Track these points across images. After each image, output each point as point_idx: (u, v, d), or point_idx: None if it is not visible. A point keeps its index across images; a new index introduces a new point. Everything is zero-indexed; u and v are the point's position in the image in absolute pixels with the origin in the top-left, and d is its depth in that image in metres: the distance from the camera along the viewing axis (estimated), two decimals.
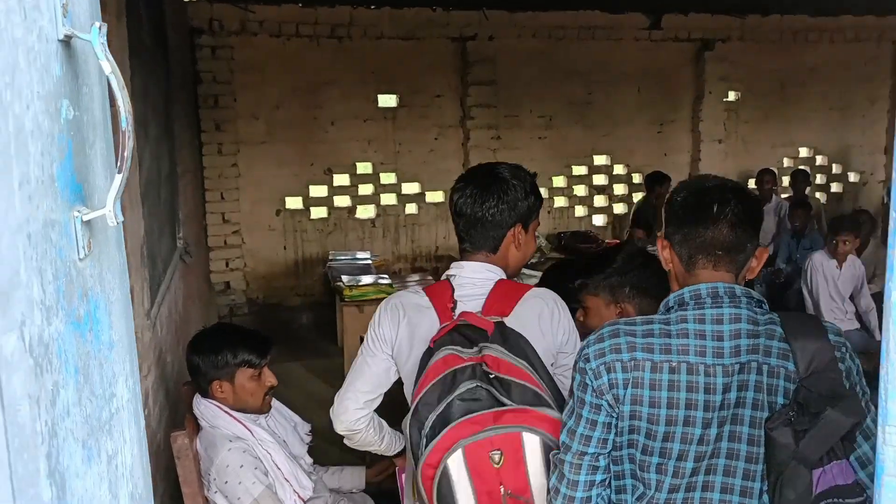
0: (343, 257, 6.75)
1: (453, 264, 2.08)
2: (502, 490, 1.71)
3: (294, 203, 7.40)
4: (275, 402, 2.64)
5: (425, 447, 1.73)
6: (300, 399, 5.82)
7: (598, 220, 8.35)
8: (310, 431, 2.73)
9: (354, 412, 2.09)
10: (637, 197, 8.13)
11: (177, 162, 4.13)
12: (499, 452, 1.70)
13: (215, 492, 2.26)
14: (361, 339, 4.58)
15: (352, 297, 5.64)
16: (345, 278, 5.88)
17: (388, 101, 7.51)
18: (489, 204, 1.98)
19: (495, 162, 2.13)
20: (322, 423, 5.41)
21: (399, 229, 7.73)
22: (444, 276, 2.09)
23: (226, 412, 2.37)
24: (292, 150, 7.27)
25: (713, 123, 8.26)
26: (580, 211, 8.25)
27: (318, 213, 7.50)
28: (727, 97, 8.32)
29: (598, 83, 8.00)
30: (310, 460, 2.66)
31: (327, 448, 4.83)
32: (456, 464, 1.70)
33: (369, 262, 6.61)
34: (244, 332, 2.55)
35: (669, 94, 8.24)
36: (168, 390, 3.08)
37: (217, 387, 2.41)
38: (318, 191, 7.45)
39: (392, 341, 2.02)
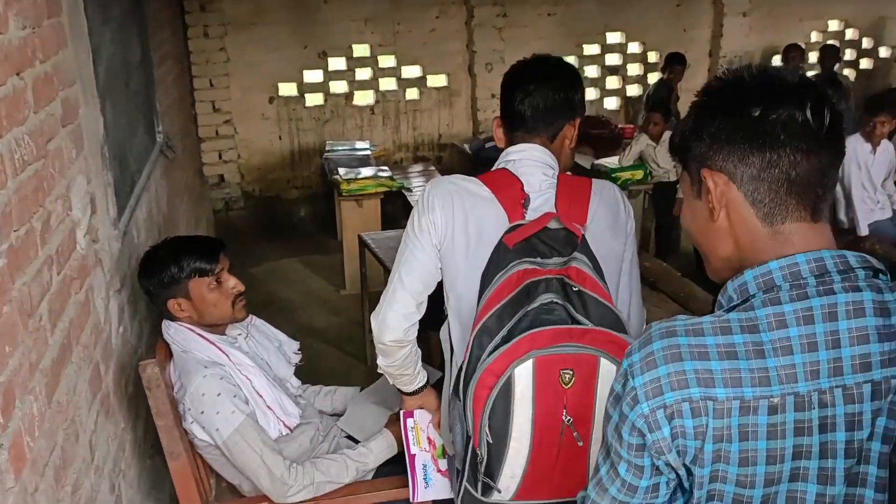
0: (341, 147, 6.38)
1: (509, 150, 1.85)
2: (564, 414, 1.56)
3: (288, 89, 6.96)
4: (256, 321, 2.38)
5: (488, 356, 1.57)
6: (299, 297, 5.63)
7: (611, 103, 7.89)
8: (298, 350, 2.48)
9: (407, 318, 1.82)
10: (653, 78, 7.64)
11: (150, 48, 3.72)
12: (570, 372, 1.55)
13: (192, 422, 2.03)
14: (361, 239, 4.31)
15: (350, 192, 5.32)
16: (342, 171, 5.54)
17: None
18: (559, 88, 1.81)
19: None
20: (320, 323, 5.30)
21: (399, 116, 7.30)
22: (499, 164, 1.86)
23: (198, 334, 2.11)
24: (284, 31, 6.76)
25: None
26: (592, 94, 7.77)
27: (314, 99, 7.06)
28: None
29: None
30: (297, 383, 2.42)
31: (326, 353, 4.68)
32: (524, 375, 1.54)
33: (368, 152, 6.25)
34: (188, 240, 2.27)
35: None
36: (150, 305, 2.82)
37: (175, 306, 2.15)
38: (312, 76, 6.99)
39: (443, 233, 1.78)
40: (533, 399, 1.55)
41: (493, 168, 1.87)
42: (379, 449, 2.20)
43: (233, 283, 2.26)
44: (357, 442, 2.30)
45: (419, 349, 1.95)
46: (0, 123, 1.52)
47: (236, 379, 2.07)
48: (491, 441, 1.59)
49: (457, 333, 1.83)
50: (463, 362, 1.69)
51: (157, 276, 2.17)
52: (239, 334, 2.29)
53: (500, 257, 1.66)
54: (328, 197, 6.92)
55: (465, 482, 1.73)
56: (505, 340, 1.57)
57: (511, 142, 1.86)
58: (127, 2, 3.28)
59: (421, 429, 2.10)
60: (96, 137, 2.32)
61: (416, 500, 2.08)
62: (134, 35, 3.40)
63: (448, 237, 1.77)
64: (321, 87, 7.02)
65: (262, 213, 7.11)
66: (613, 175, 5.61)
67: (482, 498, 1.70)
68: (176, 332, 2.13)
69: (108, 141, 2.51)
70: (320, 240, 6.68)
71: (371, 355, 4.56)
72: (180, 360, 2.11)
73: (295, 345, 2.48)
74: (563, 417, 1.57)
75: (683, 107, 7.40)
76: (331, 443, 2.33)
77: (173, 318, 2.17)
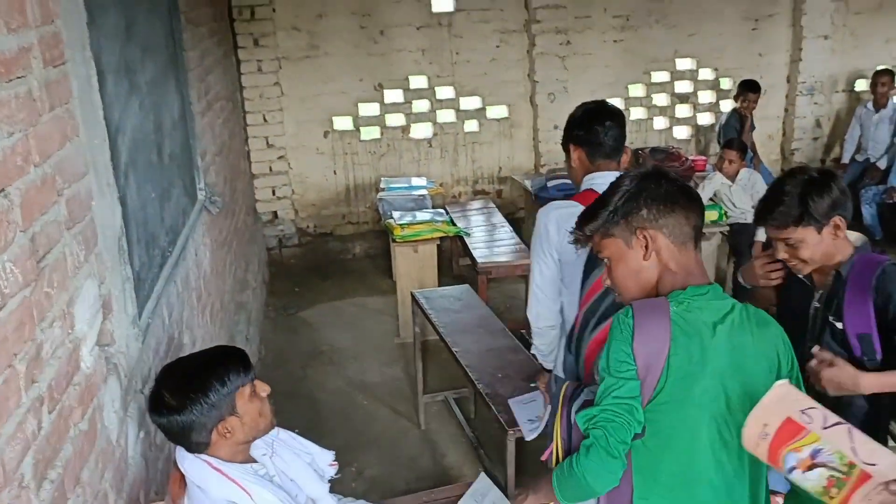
0: (396, 186, 6.12)
1: (593, 175, 2.50)
2: None
3: (343, 123, 6.75)
4: (282, 434, 2.09)
5: (592, 329, 2.32)
6: (351, 345, 5.38)
7: (681, 132, 7.46)
8: (334, 460, 2.18)
9: (550, 308, 2.57)
10: (726, 106, 7.19)
11: (191, 100, 3.52)
12: None
13: None
14: (414, 297, 4.02)
15: (404, 238, 5.05)
16: (396, 214, 5.28)
17: (443, 4, 6.66)
18: (622, 124, 2.57)
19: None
20: (373, 376, 5.02)
21: (458, 149, 7.02)
22: (585, 187, 2.50)
23: (215, 469, 1.84)
24: (339, 64, 6.56)
25: (818, 16, 7.15)
26: (660, 123, 7.36)
27: (370, 133, 6.84)
28: None
29: None
30: (333, 501, 2.13)
31: (377, 413, 4.31)
32: None
33: (425, 191, 5.97)
34: (210, 355, 1.97)
35: None
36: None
37: (223, 431, 1.85)
38: (368, 109, 6.77)
39: (558, 248, 2.45)
40: None
41: (581, 189, 2.52)
42: None
43: (265, 387, 1.99)
44: None
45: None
46: None
47: None
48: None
49: (569, 310, 2.53)
50: (574, 330, 2.41)
51: (203, 401, 1.83)
52: (264, 454, 2.01)
53: (595, 260, 2.14)
54: (384, 233, 6.69)
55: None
56: (600, 320, 2.29)
57: (593, 165, 2.53)
58: (162, 60, 3.07)
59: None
60: (113, 230, 2.10)
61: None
62: (171, 92, 3.20)
63: (562, 250, 2.43)
64: (377, 121, 6.79)
65: (316, 250, 6.92)
66: None
67: None
68: (191, 466, 1.86)
69: (129, 228, 2.29)
70: (375, 279, 6.43)
71: (425, 418, 4.28)
72: (196, 498, 1.84)
73: (329, 455, 2.18)
74: None
75: (760, 137, 6.94)
76: None
77: (197, 448, 1.88)
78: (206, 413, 1.82)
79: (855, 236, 2.29)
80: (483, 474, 2.67)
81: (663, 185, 1.72)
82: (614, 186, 1.77)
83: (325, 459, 2.17)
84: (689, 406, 1.61)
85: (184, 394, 1.82)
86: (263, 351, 5.19)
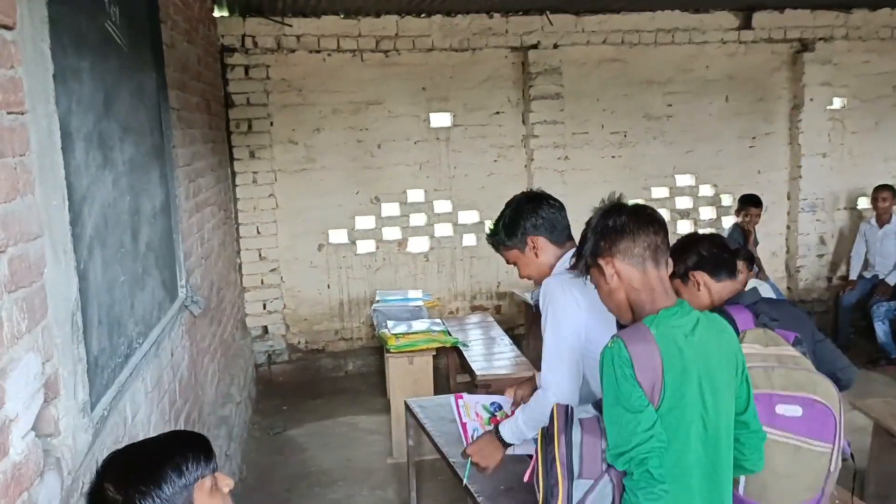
0: (391, 298, 5.91)
1: (569, 255, 2.57)
2: None
3: (338, 236, 6.62)
4: None
5: None
6: (339, 467, 4.98)
7: None
8: None
9: (575, 389, 2.52)
10: (727, 222, 7.10)
11: (174, 192, 3.36)
12: None
13: None
14: (407, 406, 3.71)
15: (399, 348, 4.78)
16: (390, 324, 5.03)
17: (441, 120, 6.69)
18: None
19: None
20: (360, 501, 4.59)
21: (455, 263, 6.86)
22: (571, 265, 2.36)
23: None
24: (335, 177, 6.51)
25: (815, 135, 7.18)
26: None
27: (365, 247, 6.70)
28: (831, 104, 7.22)
29: (679, 93, 7.04)
30: None
31: None
32: None
33: (421, 303, 5.75)
34: (164, 440, 1.69)
35: (763, 104, 7.21)
36: None
37: None
38: (364, 222, 6.66)
39: (577, 310, 2.49)
40: None
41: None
42: None
43: (228, 480, 1.69)
44: None
45: None
46: None
47: None
48: None
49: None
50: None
51: (153, 497, 1.53)
52: None
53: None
54: (378, 350, 6.41)
55: None
56: None
57: (564, 248, 2.69)
58: (146, 146, 2.93)
59: (469, 405, 2.84)
60: (67, 303, 1.85)
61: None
62: (153, 181, 3.03)
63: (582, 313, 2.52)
64: (373, 234, 6.67)
65: (306, 367, 6.62)
66: None
67: None
68: None
69: (89, 305, 2.05)
70: (368, 398, 6.09)
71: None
72: None
73: None
74: None
75: (764, 254, 6.80)
76: None
77: None
78: None
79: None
80: None
81: (613, 217, 2.01)
82: (587, 225, 2.10)
83: None
84: (683, 410, 1.86)
85: (133, 486, 1.53)
86: (245, 471, 4.80)
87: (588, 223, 2.08)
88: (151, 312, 2.84)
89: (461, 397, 2.79)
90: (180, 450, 1.60)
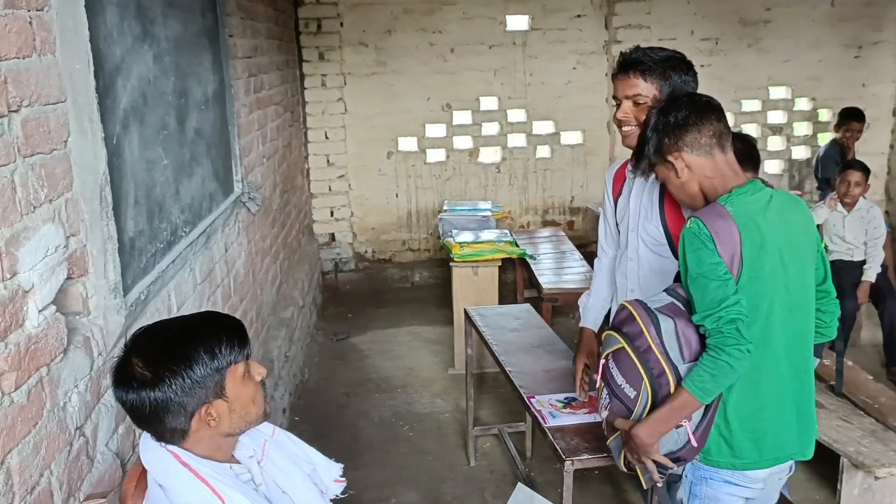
0: (460, 208, 5.74)
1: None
2: None
3: (408, 144, 6.44)
4: (280, 435, 1.66)
5: None
6: (401, 374, 4.94)
7: (773, 166, 6.87)
8: (341, 476, 1.73)
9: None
10: (824, 140, 6.58)
11: (230, 82, 3.22)
12: None
13: None
14: (467, 314, 3.59)
15: (463, 258, 4.63)
16: (455, 233, 4.87)
17: (518, 23, 6.34)
18: None
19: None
20: (421, 407, 4.53)
21: (528, 176, 6.61)
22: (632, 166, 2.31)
23: (184, 464, 1.43)
24: (406, 82, 6.28)
25: None
26: None
27: (436, 155, 6.50)
28: None
29: None
30: None
31: (423, 447, 3.89)
32: None
33: (489, 213, 5.56)
34: (198, 320, 1.55)
35: (872, 8, 6.55)
36: None
37: (207, 417, 1.44)
38: (435, 130, 6.45)
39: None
40: None
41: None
42: None
43: (261, 369, 1.57)
44: None
45: None
46: None
47: None
48: None
49: None
50: None
51: (183, 376, 1.39)
52: (251, 457, 1.59)
53: None
54: (446, 262, 6.29)
55: None
56: None
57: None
58: (195, 27, 2.78)
59: (543, 401, 2.58)
60: (94, 177, 1.74)
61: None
62: (205, 66, 2.89)
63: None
64: (444, 143, 6.46)
65: (373, 276, 6.57)
66: None
67: None
68: (154, 458, 1.46)
69: (123, 184, 1.94)
70: (433, 309, 6.00)
71: (475, 455, 3.80)
72: (155, 500, 1.43)
73: (335, 469, 1.73)
74: None
75: None
76: None
77: (171, 437, 1.47)
78: (187, 391, 1.41)
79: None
80: (521, 484, 2.32)
81: (673, 113, 2.02)
82: (646, 123, 2.09)
83: (331, 473, 1.72)
84: (763, 282, 1.92)
85: (162, 364, 1.41)
86: (306, 374, 4.81)
87: (646, 123, 2.09)
88: (201, 203, 2.75)
89: (533, 397, 2.61)
90: (215, 332, 1.48)
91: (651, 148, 2.06)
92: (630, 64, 2.26)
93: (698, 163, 2.00)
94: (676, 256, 2.15)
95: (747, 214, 1.92)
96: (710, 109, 2.03)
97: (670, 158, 2.01)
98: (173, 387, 1.39)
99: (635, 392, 1.94)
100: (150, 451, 1.46)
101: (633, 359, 1.93)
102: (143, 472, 1.50)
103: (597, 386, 2.11)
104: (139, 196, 2.07)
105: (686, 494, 2.09)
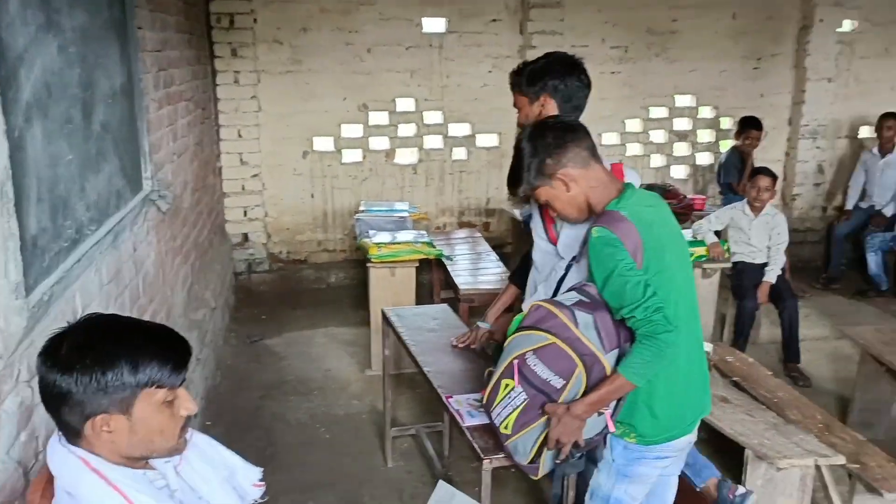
0: (377, 209, 5.71)
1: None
2: None
3: (324, 144, 6.38)
4: (197, 438, 1.62)
5: None
6: (318, 376, 4.88)
7: (679, 171, 7.12)
8: (260, 481, 1.70)
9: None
10: (725, 146, 6.87)
11: (138, 75, 3.11)
12: None
13: None
14: (384, 315, 3.58)
15: (380, 258, 4.62)
16: (372, 233, 4.86)
17: (434, 25, 6.36)
18: None
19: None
20: (338, 409, 4.46)
21: (444, 177, 6.65)
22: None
23: (94, 470, 1.37)
24: (322, 81, 6.22)
25: (822, 59, 6.89)
26: (657, 160, 7.03)
27: (352, 156, 6.46)
28: (841, 27, 6.91)
29: (684, 8, 6.70)
30: None
31: (342, 449, 3.82)
32: None
33: (406, 214, 5.57)
34: (145, 330, 1.50)
35: (771, 23, 6.88)
36: None
37: (101, 424, 1.38)
38: (351, 130, 6.40)
39: None
40: None
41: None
42: None
43: (190, 405, 1.49)
44: None
45: None
46: None
47: None
48: None
49: None
50: None
51: (95, 376, 1.35)
52: (167, 461, 1.54)
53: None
54: (362, 263, 6.24)
55: None
56: None
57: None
58: (101, 19, 2.67)
59: (462, 401, 2.61)
60: None
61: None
62: (112, 59, 2.79)
63: None
64: (360, 143, 6.42)
65: (287, 277, 6.47)
66: None
67: None
68: (62, 463, 1.39)
69: (25, 179, 1.85)
70: (349, 311, 5.96)
71: (393, 455, 3.79)
72: None
73: (254, 473, 1.70)
74: None
75: None
76: None
77: (76, 439, 1.41)
78: (91, 392, 1.35)
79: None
80: (442, 482, 2.36)
81: (547, 136, 2.17)
82: (518, 152, 2.21)
83: (250, 477, 1.69)
84: (666, 272, 2.09)
85: (82, 356, 1.34)
86: (219, 377, 4.69)
87: (519, 151, 2.21)
88: (108, 200, 2.65)
89: (451, 397, 2.63)
90: (152, 347, 1.40)
91: (533, 173, 2.18)
92: (511, 84, 2.69)
93: (583, 175, 2.16)
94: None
95: (639, 214, 2.09)
96: (580, 127, 2.23)
97: (559, 176, 2.15)
98: (79, 383, 1.34)
99: (563, 381, 2.06)
100: (58, 456, 1.40)
101: (565, 349, 2.04)
102: (50, 479, 1.43)
103: (490, 385, 2.23)
104: (42, 192, 1.98)
105: (614, 477, 2.26)
